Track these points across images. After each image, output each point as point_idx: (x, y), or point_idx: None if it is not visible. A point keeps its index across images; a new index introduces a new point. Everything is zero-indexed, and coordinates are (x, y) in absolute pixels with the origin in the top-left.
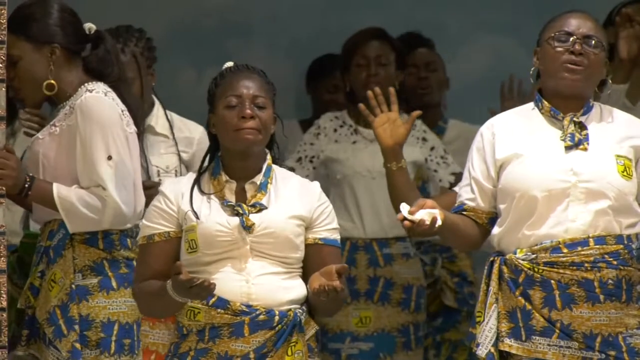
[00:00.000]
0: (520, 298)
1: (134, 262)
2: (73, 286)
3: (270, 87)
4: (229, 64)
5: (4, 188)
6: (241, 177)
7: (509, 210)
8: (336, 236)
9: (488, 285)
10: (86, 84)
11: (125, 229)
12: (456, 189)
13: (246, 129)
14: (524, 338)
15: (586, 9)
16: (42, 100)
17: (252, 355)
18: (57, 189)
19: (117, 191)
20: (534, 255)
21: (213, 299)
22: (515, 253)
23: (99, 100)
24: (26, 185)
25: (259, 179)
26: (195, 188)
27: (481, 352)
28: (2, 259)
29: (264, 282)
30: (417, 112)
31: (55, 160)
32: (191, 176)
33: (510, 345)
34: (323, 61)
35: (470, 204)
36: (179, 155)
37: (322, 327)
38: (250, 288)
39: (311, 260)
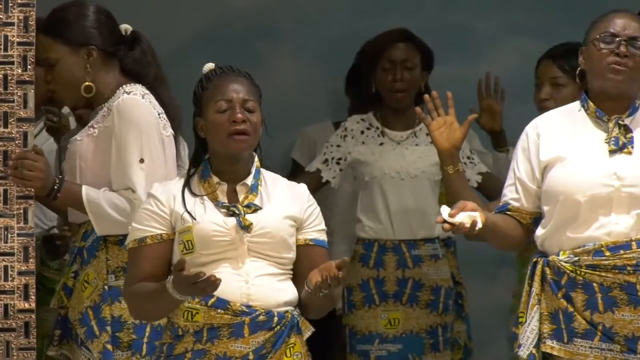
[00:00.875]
0: (562, 300)
1: None
2: (106, 287)
3: (257, 89)
4: (210, 66)
5: (32, 190)
6: (231, 179)
7: (553, 213)
8: (324, 237)
9: (531, 286)
10: (124, 86)
11: None
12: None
13: (238, 134)
14: (565, 340)
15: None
16: (79, 102)
17: (251, 356)
18: (86, 192)
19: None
20: (576, 258)
21: (212, 300)
22: (558, 255)
23: (136, 102)
24: (55, 187)
25: (249, 180)
26: (186, 190)
27: (523, 352)
28: (31, 260)
29: (263, 283)
30: (473, 115)
31: (92, 162)
32: (179, 179)
33: (552, 346)
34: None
35: (515, 204)
36: None
37: (350, 328)
38: (250, 288)
39: (301, 261)
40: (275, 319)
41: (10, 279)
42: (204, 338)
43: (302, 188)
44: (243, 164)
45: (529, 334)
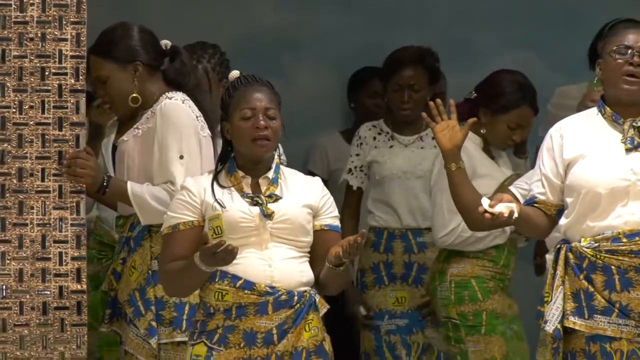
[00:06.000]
0: (584, 281)
1: None
2: (150, 272)
3: (277, 97)
4: (235, 73)
5: (84, 185)
6: (254, 174)
7: (575, 204)
8: (337, 223)
9: (555, 269)
10: (166, 93)
11: None
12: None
13: (261, 139)
14: (586, 316)
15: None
16: (131, 111)
17: (274, 331)
18: (131, 187)
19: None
20: (596, 244)
21: (240, 282)
22: (580, 242)
23: (176, 106)
24: (104, 184)
25: (270, 174)
26: (215, 183)
27: (549, 328)
28: (83, 247)
29: (284, 266)
30: (473, 119)
31: (137, 159)
32: (208, 175)
33: (574, 322)
34: (362, 72)
35: (541, 197)
36: None
37: (364, 306)
38: (273, 272)
39: (317, 244)
40: (296, 298)
41: (64, 263)
42: (233, 315)
43: (317, 180)
44: (265, 162)
45: (554, 311)
